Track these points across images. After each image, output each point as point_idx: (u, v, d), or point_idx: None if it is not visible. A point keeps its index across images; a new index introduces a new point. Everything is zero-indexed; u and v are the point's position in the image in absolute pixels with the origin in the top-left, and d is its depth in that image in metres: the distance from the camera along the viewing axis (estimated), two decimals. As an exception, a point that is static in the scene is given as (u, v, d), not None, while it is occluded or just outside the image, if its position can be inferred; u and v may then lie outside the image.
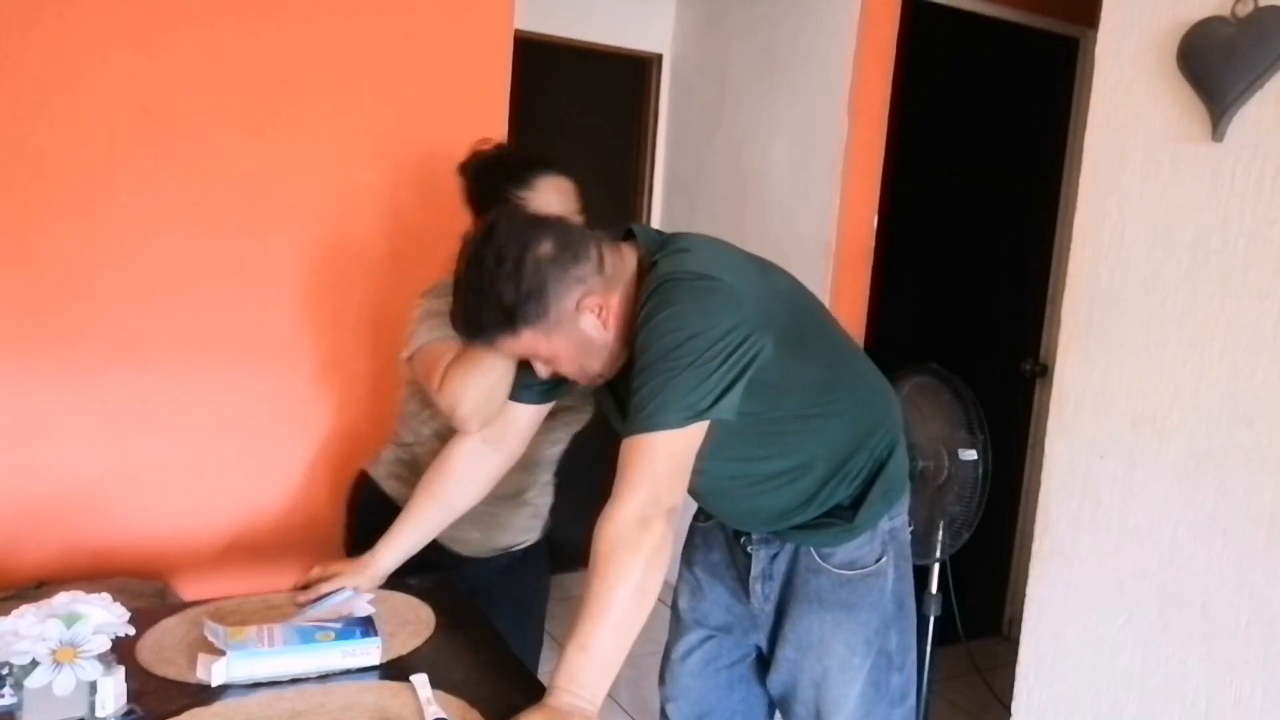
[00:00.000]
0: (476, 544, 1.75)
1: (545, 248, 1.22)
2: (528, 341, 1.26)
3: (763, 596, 1.50)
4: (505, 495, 1.71)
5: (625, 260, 1.33)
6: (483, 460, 1.53)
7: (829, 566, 1.44)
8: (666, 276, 1.23)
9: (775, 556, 1.48)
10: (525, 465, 1.68)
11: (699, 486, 1.40)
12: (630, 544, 1.14)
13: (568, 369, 1.33)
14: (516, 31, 2.29)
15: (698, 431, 1.20)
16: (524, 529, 1.82)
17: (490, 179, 1.65)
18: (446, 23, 2.17)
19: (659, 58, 3.54)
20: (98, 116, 1.89)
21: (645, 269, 1.30)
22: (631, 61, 3.53)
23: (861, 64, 2.70)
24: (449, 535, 1.68)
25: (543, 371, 1.35)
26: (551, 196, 1.63)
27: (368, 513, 1.73)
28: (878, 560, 1.45)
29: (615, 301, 1.29)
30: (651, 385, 1.17)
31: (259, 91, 2.01)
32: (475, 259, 1.22)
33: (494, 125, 2.25)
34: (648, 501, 1.16)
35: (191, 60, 1.95)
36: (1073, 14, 3.09)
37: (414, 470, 1.68)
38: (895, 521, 1.48)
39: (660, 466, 1.18)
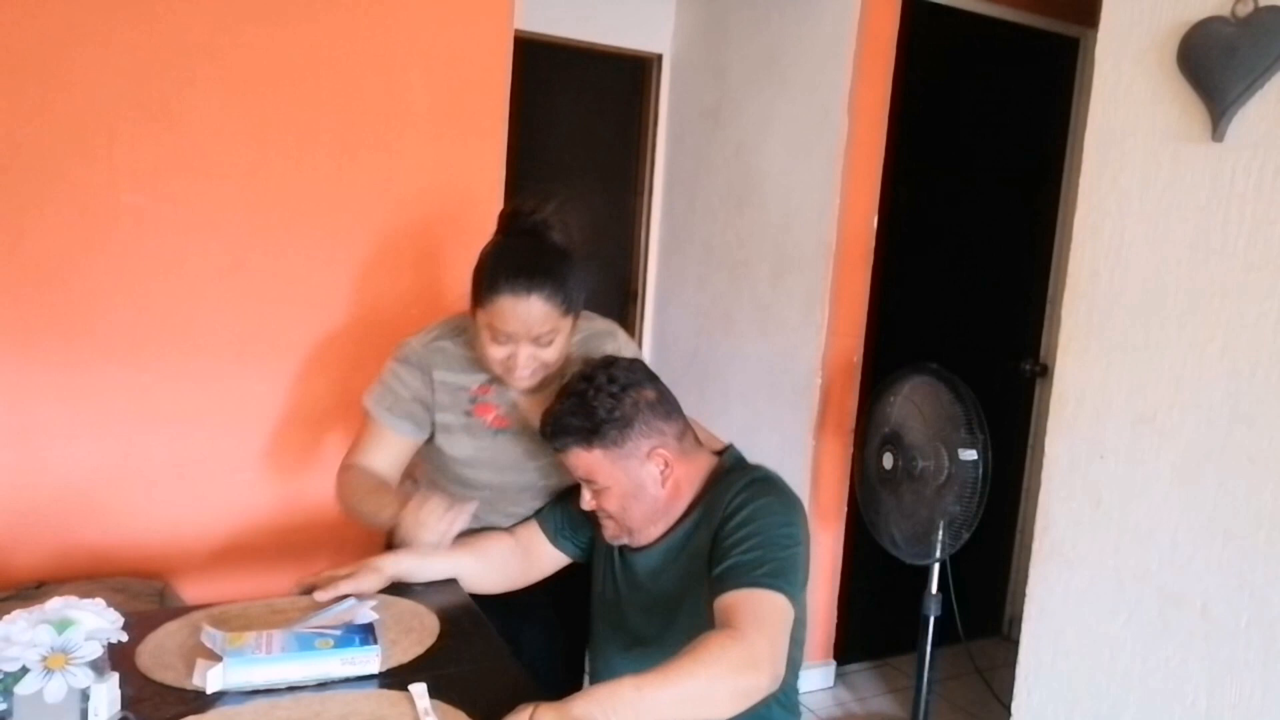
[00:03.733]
0: None
1: (649, 394, 1.40)
2: (594, 460, 1.38)
3: None
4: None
5: (702, 454, 1.47)
6: (514, 562, 1.61)
7: None
8: (767, 475, 1.40)
9: None
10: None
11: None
12: (737, 663, 1.14)
13: (611, 505, 1.41)
14: (516, 31, 2.29)
15: (791, 609, 1.25)
16: None
17: (476, 276, 1.52)
18: (446, 23, 2.17)
19: (659, 58, 3.53)
20: (98, 116, 1.88)
21: (719, 472, 1.44)
22: (631, 61, 3.53)
23: (861, 64, 2.70)
24: None
25: (587, 501, 1.43)
26: (506, 317, 1.47)
27: None
28: None
29: (680, 471, 1.41)
30: (767, 550, 1.26)
31: (259, 90, 2.01)
32: (589, 375, 1.39)
33: (494, 125, 2.25)
34: (766, 651, 1.17)
35: (192, 59, 1.94)
36: (1073, 14, 3.09)
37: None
38: None
39: (779, 628, 1.22)
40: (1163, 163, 1.79)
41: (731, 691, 1.15)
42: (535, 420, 1.58)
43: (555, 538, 1.62)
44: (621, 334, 1.72)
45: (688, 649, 1.16)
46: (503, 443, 1.65)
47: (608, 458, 1.37)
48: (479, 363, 1.58)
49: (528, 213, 1.54)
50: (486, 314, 1.48)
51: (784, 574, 1.25)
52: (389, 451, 1.65)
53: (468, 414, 1.64)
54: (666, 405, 1.43)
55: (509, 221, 1.57)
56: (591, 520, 1.53)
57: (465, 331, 1.62)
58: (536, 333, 1.47)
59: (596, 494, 1.42)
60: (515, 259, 1.48)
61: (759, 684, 1.16)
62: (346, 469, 1.65)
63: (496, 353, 1.50)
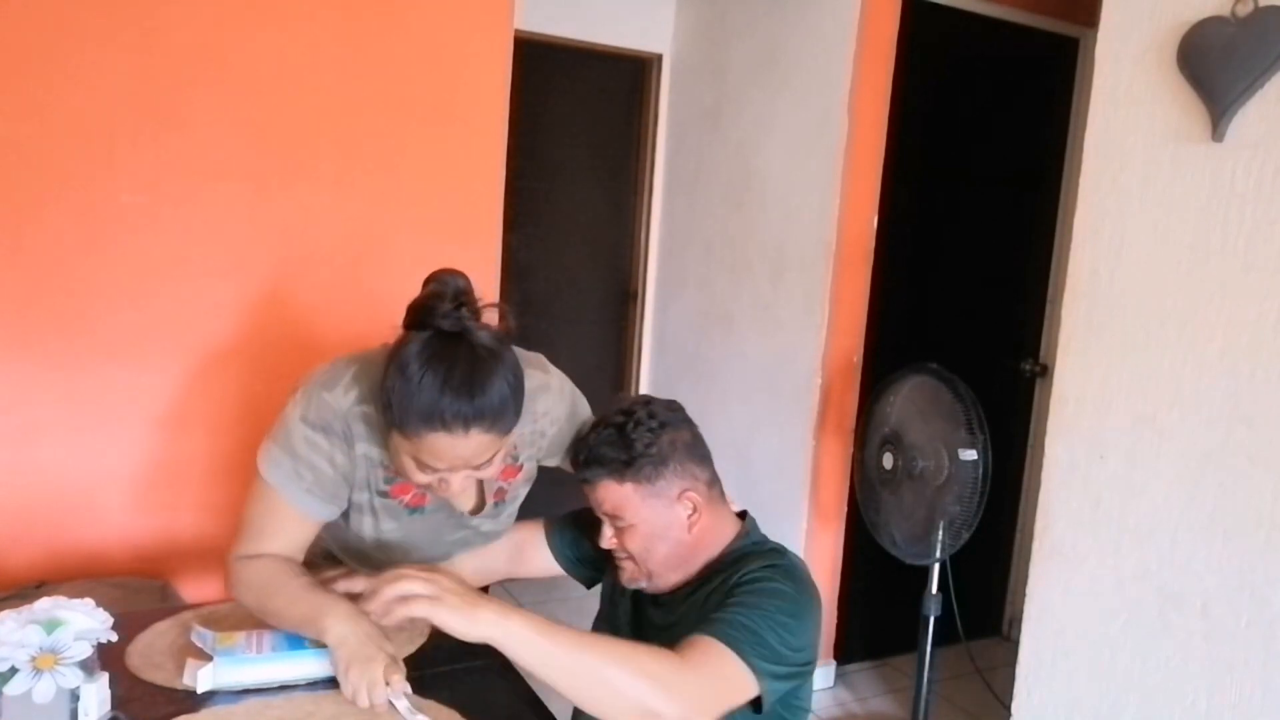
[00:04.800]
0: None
1: (686, 436, 1.37)
2: (624, 494, 1.33)
3: None
4: None
5: (728, 511, 1.42)
6: (499, 556, 1.58)
7: None
8: (792, 563, 1.34)
9: None
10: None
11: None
12: (654, 679, 1.10)
13: (634, 545, 1.35)
14: (516, 31, 2.29)
15: (750, 689, 1.18)
16: None
17: (391, 400, 1.20)
18: (446, 23, 2.17)
19: (659, 58, 3.54)
20: (98, 116, 1.88)
21: (744, 544, 1.39)
22: (631, 61, 3.53)
23: (861, 64, 2.70)
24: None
25: (608, 539, 1.37)
26: (441, 455, 1.21)
27: None
28: None
29: (707, 519, 1.36)
30: (749, 612, 1.21)
31: (260, 91, 2.01)
32: (631, 411, 1.35)
33: (494, 125, 2.25)
34: (691, 693, 1.12)
35: (192, 59, 1.94)
36: (1073, 14, 3.09)
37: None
38: None
39: (716, 683, 1.16)
40: (1163, 163, 1.79)
41: (628, 700, 1.09)
42: (459, 497, 1.42)
43: (558, 555, 1.57)
44: (555, 379, 1.48)
45: (624, 640, 1.14)
46: (419, 520, 1.44)
47: (638, 493, 1.32)
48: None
49: (448, 310, 1.19)
50: (411, 445, 1.20)
51: (751, 640, 1.18)
52: (298, 537, 1.36)
53: (383, 494, 1.38)
54: (701, 450, 1.39)
55: (423, 317, 1.20)
56: (608, 561, 1.45)
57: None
58: (477, 463, 1.24)
59: (620, 532, 1.36)
60: (446, 387, 1.15)
61: (661, 711, 1.09)
62: (254, 559, 1.33)
63: (422, 478, 1.25)
